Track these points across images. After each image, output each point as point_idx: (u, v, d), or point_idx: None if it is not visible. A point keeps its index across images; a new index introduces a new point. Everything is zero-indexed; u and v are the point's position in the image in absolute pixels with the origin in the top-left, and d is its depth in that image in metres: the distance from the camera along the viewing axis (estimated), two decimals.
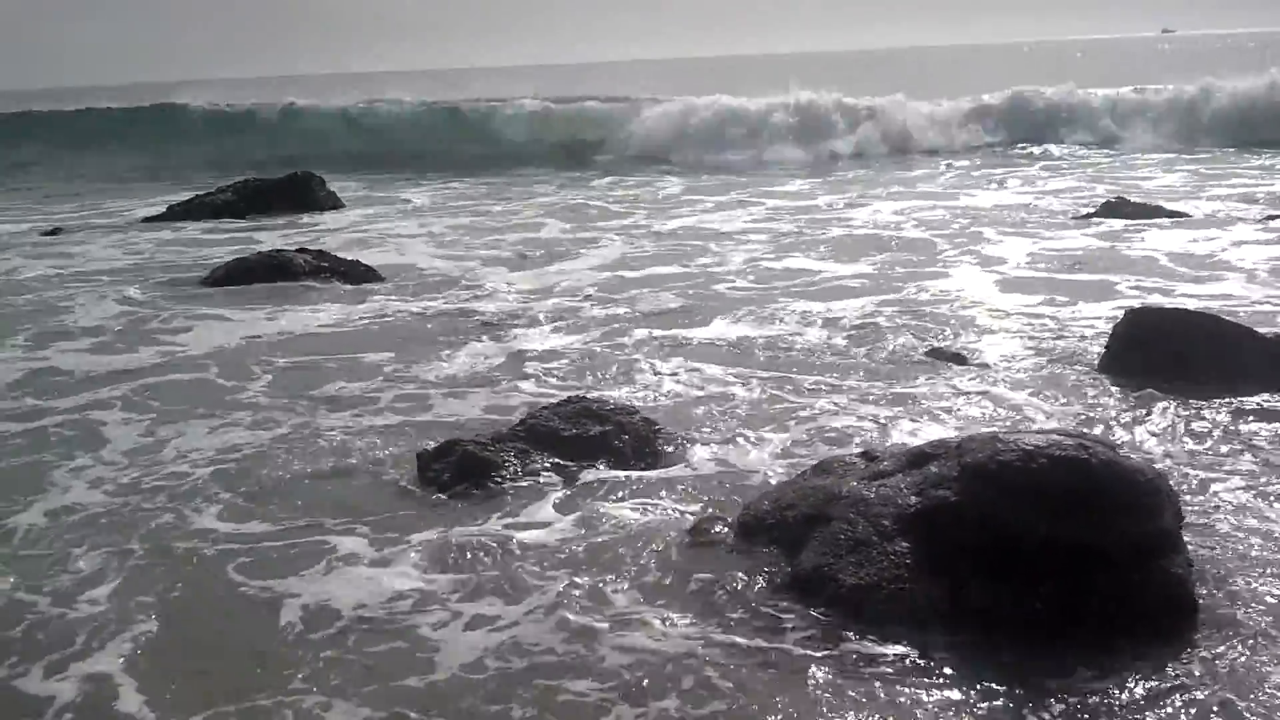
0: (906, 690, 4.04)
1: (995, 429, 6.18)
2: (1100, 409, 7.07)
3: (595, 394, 7.29)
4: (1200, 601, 4.41)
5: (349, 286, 12.46)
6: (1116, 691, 3.98)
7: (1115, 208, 15.36)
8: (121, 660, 4.50)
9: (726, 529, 5.13)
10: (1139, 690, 3.98)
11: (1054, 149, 27.31)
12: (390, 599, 4.93)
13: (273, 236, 16.86)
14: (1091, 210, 15.78)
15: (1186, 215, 15.14)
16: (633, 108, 30.98)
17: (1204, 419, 6.71)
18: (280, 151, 29.78)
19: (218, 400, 8.09)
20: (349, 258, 13.50)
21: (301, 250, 13.58)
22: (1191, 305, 9.22)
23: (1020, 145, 27.88)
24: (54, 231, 18.16)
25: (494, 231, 17.03)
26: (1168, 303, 9.60)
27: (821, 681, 4.11)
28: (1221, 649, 4.20)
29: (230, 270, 13.13)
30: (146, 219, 19.55)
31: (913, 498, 4.64)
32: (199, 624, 4.85)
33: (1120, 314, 8.18)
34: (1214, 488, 5.65)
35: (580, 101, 33.25)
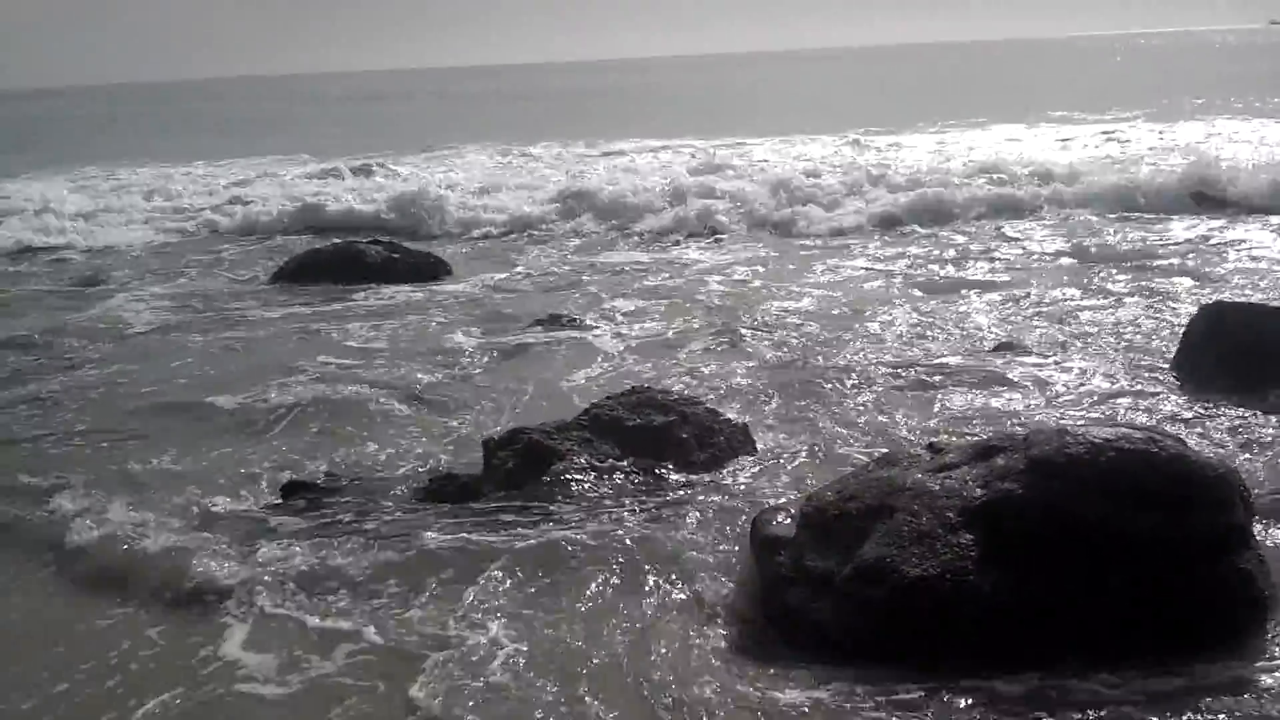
0: (970, 685, 4.03)
1: (1063, 422, 6.11)
2: (1172, 403, 6.96)
3: (660, 384, 7.32)
4: (1269, 597, 4.32)
5: (421, 279, 12.64)
6: (1184, 686, 3.92)
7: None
8: None
9: (789, 520, 5.12)
10: (1207, 686, 3.92)
11: None
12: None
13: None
14: None
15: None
16: None
17: (1278, 415, 6.56)
18: None
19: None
20: (418, 249, 13.73)
21: (374, 241, 13.78)
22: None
23: None
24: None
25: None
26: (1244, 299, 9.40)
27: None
28: None
29: (303, 262, 13.33)
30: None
31: (978, 490, 4.59)
32: None
33: (1195, 309, 8.03)
34: None
35: None
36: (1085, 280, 10.99)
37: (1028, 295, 10.41)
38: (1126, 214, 14.70)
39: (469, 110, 59.32)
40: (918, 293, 10.80)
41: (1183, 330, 7.88)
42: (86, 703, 4.31)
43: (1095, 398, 7.17)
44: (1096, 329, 8.97)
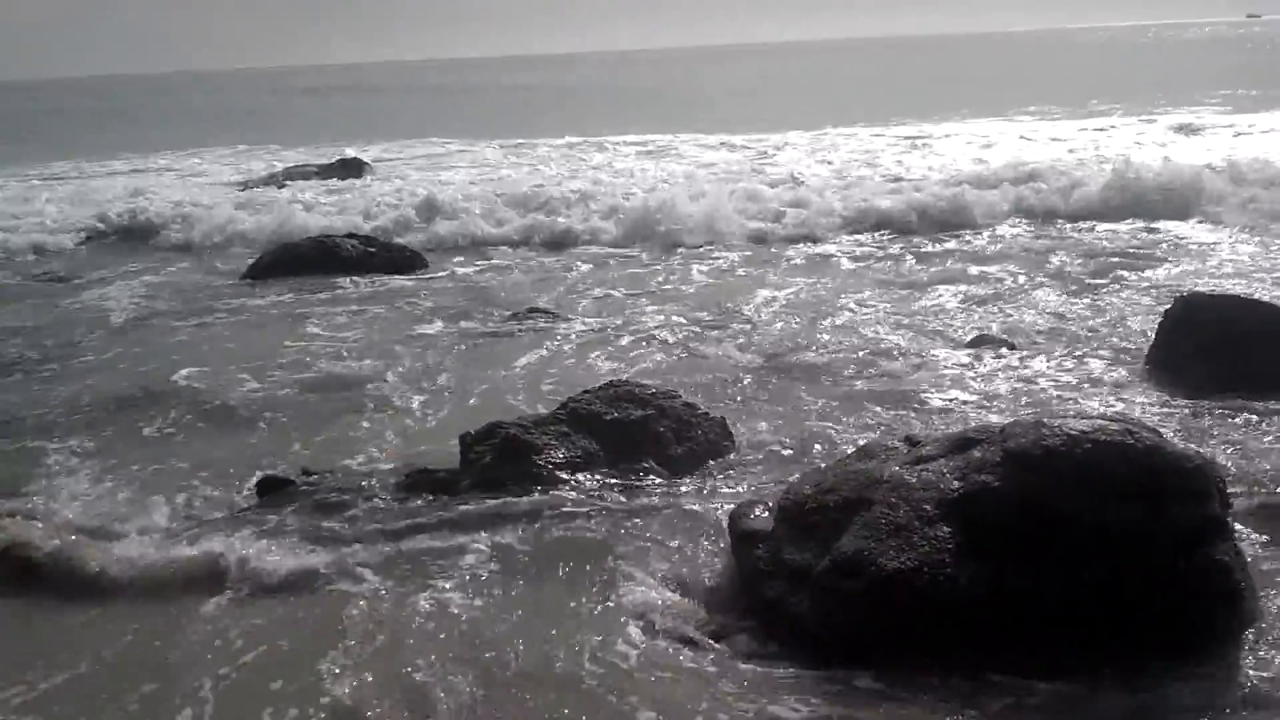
0: (947, 678, 4.03)
1: (1040, 414, 6.11)
2: (1148, 395, 6.98)
3: (638, 378, 7.30)
4: (1245, 589, 4.33)
5: (397, 272, 12.61)
6: (1161, 678, 3.93)
7: None
8: None
9: (767, 513, 5.11)
10: (1184, 677, 3.93)
11: None
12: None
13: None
14: None
15: None
16: None
17: (1256, 406, 6.58)
18: None
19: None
20: (397, 241, 13.68)
21: (350, 235, 13.70)
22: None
23: None
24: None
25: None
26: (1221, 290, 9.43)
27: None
28: (1267, 637, 4.14)
29: (278, 256, 13.22)
30: None
31: (955, 483, 4.59)
32: None
33: (1171, 301, 8.04)
34: (1265, 476, 5.55)
35: None
36: (1061, 275, 11.00)
37: (1005, 290, 10.43)
38: (1102, 213, 14.54)
39: (460, 103, 59.17)
40: (895, 289, 10.80)
41: (1158, 323, 7.89)
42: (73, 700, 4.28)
43: (1072, 390, 7.19)
44: (1073, 322, 9.00)
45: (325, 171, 22.49)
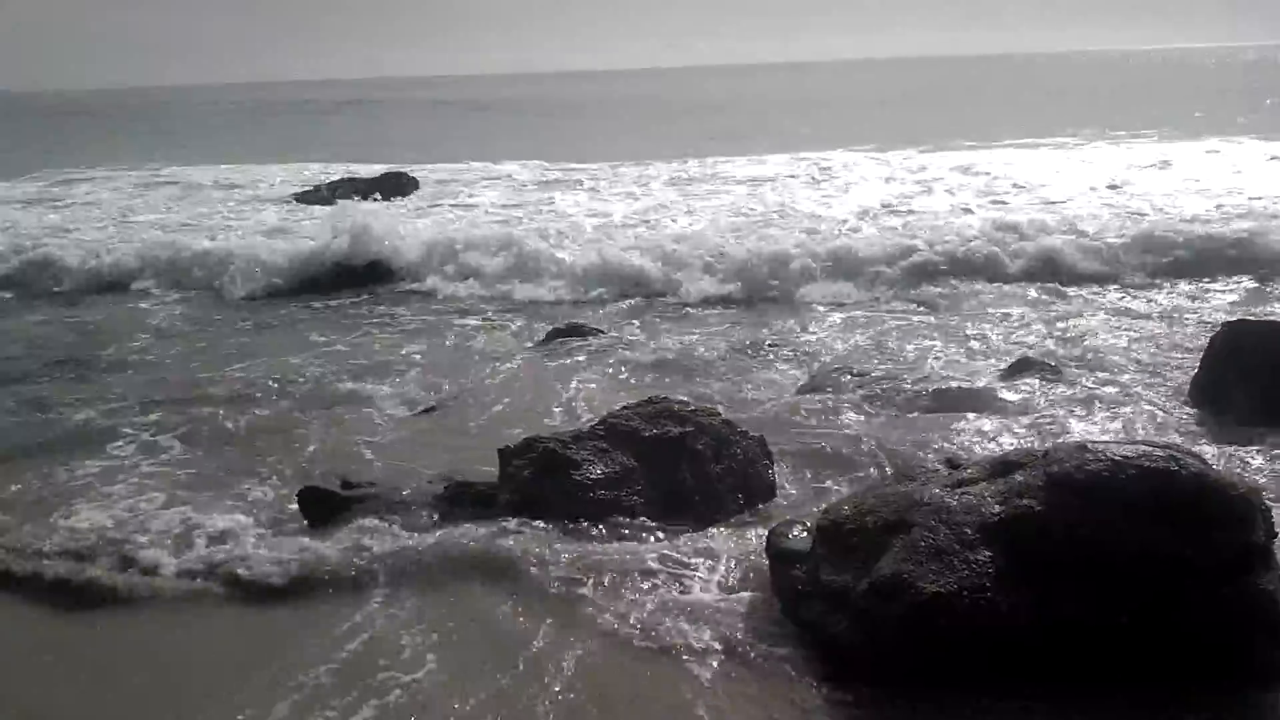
0: (986, 704, 4.00)
1: (1083, 439, 6.06)
2: (1192, 421, 6.91)
3: (675, 394, 7.31)
4: None
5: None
6: (1201, 710, 3.89)
7: None
8: None
9: (805, 533, 5.10)
10: (1225, 709, 3.89)
11: None
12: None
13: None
14: None
15: None
16: None
17: None
18: None
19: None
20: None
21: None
22: None
23: None
24: None
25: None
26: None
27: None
28: None
29: (304, 272, 13.18)
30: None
31: (996, 506, 4.55)
32: None
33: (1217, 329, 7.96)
34: None
35: None
36: (1105, 301, 10.90)
37: (1047, 316, 10.35)
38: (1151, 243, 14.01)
39: (474, 120, 59.31)
40: (934, 314, 10.75)
41: (1204, 349, 7.81)
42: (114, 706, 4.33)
43: (1115, 415, 7.12)
44: (1117, 347, 8.92)
45: (370, 186, 21.69)
